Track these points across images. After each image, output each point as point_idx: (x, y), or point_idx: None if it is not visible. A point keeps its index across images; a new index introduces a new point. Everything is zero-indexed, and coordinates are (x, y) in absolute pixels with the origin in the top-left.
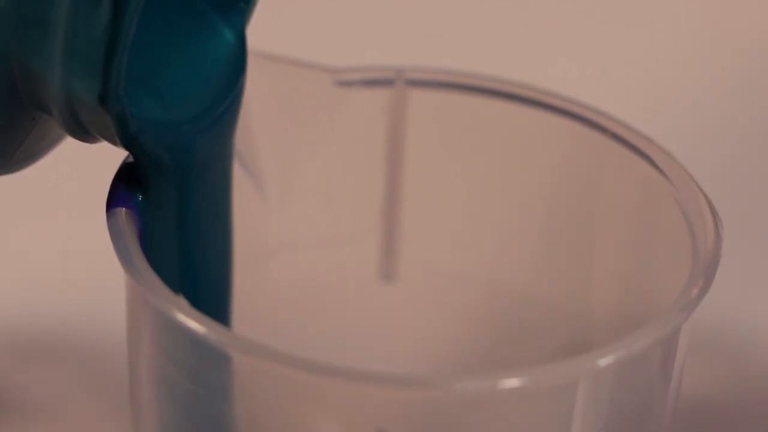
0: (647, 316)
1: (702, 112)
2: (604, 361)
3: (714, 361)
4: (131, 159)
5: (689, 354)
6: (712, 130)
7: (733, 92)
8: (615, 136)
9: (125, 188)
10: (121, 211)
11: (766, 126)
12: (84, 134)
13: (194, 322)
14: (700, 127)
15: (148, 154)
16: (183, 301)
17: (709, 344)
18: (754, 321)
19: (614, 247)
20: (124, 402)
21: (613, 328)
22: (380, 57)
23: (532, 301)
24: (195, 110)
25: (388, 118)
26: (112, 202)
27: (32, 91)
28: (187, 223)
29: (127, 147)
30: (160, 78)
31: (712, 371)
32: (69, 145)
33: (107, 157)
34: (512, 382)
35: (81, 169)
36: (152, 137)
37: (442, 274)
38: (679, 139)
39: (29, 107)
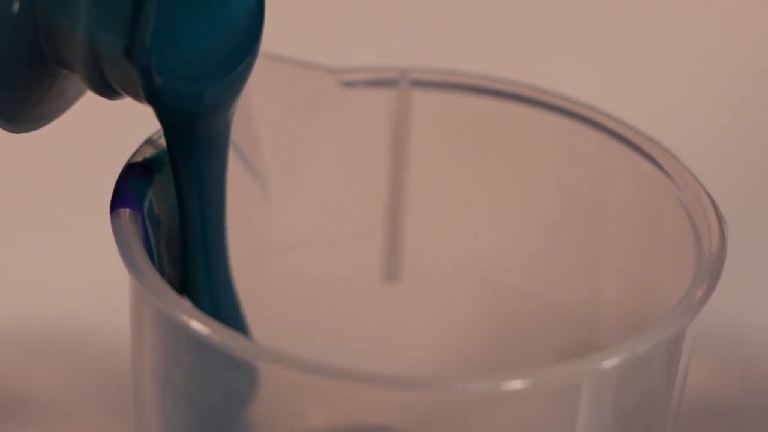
0: (651, 317)
1: (706, 112)
2: (608, 363)
3: (718, 362)
4: (135, 160)
5: (693, 355)
6: (715, 130)
7: (737, 92)
8: (619, 137)
9: (129, 189)
10: (125, 212)
11: None
12: (106, 90)
13: (197, 323)
14: (704, 127)
15: (169, 110)
16: (186, 303)
17: (713, 345)
18: (758, 321)
19: (618, 249)
20: (125, 402)
21: (617, 329)
22: (384, 57)
23: (536, 301)
24: (216, 66)
25: (392, 119)
26: (116, 203)
27: (55, 45)
28: (202, 193)
29: (150, 101)
30: (184, 32)
31: (716, 372)
32: (73, 144)
33: (111, 157)
34: (516, 384)
35: (85, 168)
36: (175, 91)
37: (446, 275)
38: (683, 139)
39: (51, 63)
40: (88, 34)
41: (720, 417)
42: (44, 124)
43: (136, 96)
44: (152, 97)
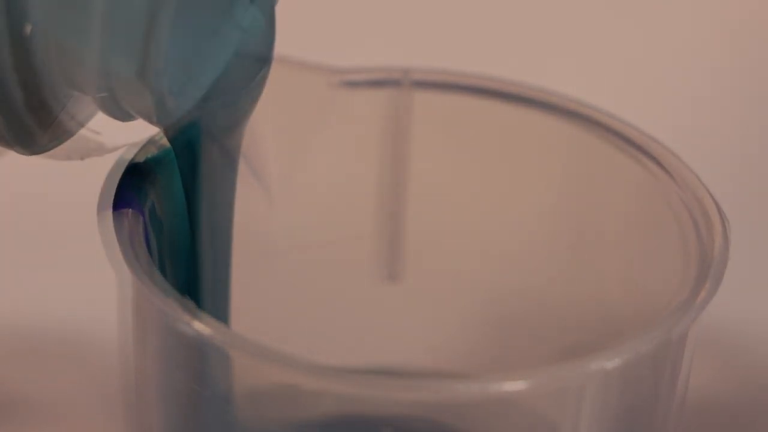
0: (653, 317)
1: (707, 112)
2: (608, 364)
3: (718, 362)
4: (137, 159)
5: (694, 355)
6: (717, 130)
7: (738, 92)
8: (621, 137)
9: (131, 189)
10: (127, 212)
11: None
12: (118, 112)
13: (200, 324)
14: (705, 127)
15: (183, 131)
16: (189, 303)
17: (713, 345)
18: (759, 321)
19: (620, 248)
20: (126, 402)
21: (618, 329)
22: (385, 58)
23: (537, 302)
24: (228, 86)
25: (393, 119)
26: (117, 203)
27: (66, 69)
28: (213, 204)
29: (163, 124)
30: (196, 53)
31: (717, 372)
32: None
33: (113, 157)
34: (516, 384)
35: (85, 168)
36: (188, 113)
37: (446, 275)
38: (685, 139)
39: (62, 86)
40: (100, 57)
41: (720, 417)
42: (55, 146)
43: (148, 118)
44: (165, 119)
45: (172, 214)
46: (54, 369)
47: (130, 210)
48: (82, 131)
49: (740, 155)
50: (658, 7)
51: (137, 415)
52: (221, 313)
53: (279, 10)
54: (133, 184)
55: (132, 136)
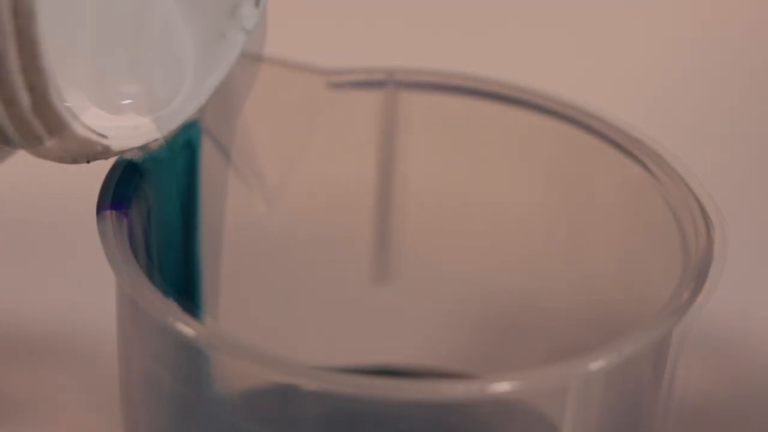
0: (653, 318)
1: (706, 111)
2: (608, 364)
3: (719, 362)
4: (135, 159)
5: (692, 355)
6: (717, 130)
7: (738, 92)
8: (620, 137)
9: (130, 188)
10: (127, 212)
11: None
12: (120, 113)
13: (198, 325)
14: (705, 127)
15: (180, 131)
16: (187, 303)
17: (714, 345)
18: (759, 321)
19: (619, 248)
20: (124, 402)
21: (618, 330)
22: (381, 58)
23: (525, 302)
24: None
25: (380, 120)
26: (117, 203)
27: (68, 68)
28: (203, 211)
29: (165, 129)
30: (200, 55)
31: (717, 372)
32: None
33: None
34: (514, 385)
35: (80, 168)
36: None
37: (435, 276)
38: (685, 139)
39: (67, 87)
40: (94, 54)
41: (719, 416)
42: (62, 149)
43: (152, 121)
44: (168, 123)
45: (170, 213)
46: (54, 369)
47: (130, 210)
48: (89, 134)
49: (740, 155)
50: (658, 6)
51: (136, 414)
52: (211, 311)
53: (276, 11)
54: (132, 184)
55: (138, 139)
